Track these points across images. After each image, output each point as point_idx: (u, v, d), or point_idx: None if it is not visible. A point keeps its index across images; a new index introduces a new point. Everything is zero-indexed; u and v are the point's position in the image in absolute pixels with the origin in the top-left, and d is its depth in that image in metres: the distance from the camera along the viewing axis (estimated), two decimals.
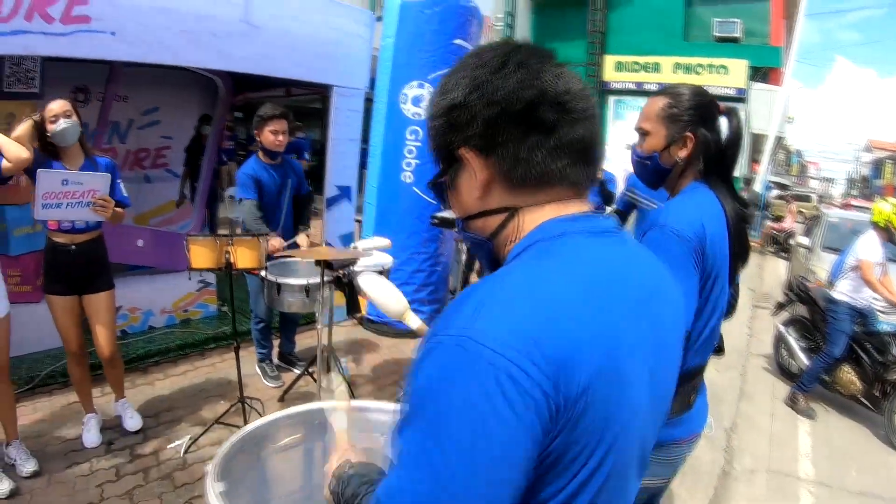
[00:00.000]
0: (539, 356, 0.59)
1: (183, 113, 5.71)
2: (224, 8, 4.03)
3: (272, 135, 3.73)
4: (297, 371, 4.16)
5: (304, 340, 4.66)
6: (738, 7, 13.37)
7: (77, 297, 3.17)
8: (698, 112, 1.59)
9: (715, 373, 4.84)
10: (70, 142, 3.04)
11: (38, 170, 2.87)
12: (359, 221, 5.46)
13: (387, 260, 3.70)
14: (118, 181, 3.22)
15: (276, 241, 3.68)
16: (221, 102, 5.69)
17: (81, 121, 3.09)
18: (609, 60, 14.05)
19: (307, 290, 3.45)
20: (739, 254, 1.58)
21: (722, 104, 1.64)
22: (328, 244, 4.91)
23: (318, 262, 3.12)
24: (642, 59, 13.65)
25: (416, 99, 4.74)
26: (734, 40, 13.27)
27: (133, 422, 3.39)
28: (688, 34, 13.76)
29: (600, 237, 0.75)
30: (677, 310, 0.84)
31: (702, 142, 1.58)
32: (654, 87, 12.23)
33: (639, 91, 13.58)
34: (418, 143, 4.80)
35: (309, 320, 4.63)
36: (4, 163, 2.80)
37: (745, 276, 7.93)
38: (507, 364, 0.58)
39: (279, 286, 3.45)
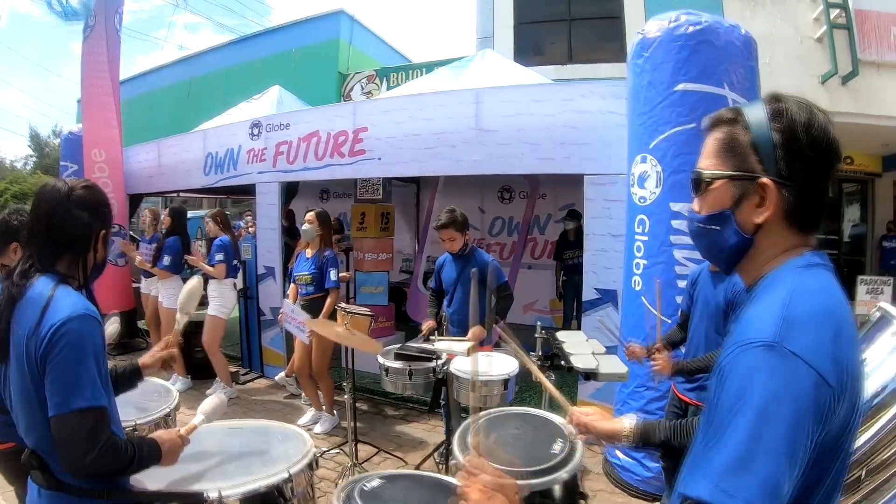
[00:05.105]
0: None
1: None
2: (458, 122, 4.58)
3: (441, 241, 3.97)
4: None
5: None
6: None
7: None
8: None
9: None
10: (308, 239, 4.56)
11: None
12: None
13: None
14: (329, 270, 4.50)
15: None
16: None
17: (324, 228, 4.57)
18: None
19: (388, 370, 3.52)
20: None
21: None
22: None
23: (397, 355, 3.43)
24: None
25: (641, 178, 3.62)
26: None
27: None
28: None
29: None
30: None
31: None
32: None
33: None
34: (645, 238, 3.65)
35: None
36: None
37: None
38: None
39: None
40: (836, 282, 0.92)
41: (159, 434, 1.60)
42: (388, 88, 10.71)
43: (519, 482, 1.65)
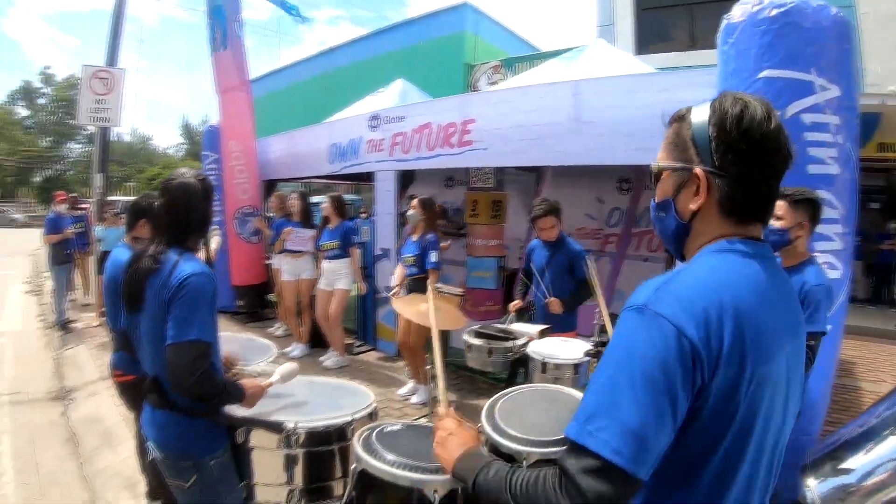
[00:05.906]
0: None
1: None
2: (557, 113, 4.69)
3: (540, 231, 4.27)
4: None
5: None
6: None
7: None
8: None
9: None
10: (413, 223, 4.97)
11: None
12: None
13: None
14: (430, 252, 4.86)
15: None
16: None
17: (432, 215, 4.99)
18: None
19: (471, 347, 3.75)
20: None
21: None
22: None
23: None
24: None
25: None
26: None
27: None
28: None
29: None
30: None
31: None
32: None
33: None
34: None
35: None
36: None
37: None
38: None
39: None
40: (751, 266, 0.97)
41: (245, 381, 2.03)
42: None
43: (525, 449, 1.86)
